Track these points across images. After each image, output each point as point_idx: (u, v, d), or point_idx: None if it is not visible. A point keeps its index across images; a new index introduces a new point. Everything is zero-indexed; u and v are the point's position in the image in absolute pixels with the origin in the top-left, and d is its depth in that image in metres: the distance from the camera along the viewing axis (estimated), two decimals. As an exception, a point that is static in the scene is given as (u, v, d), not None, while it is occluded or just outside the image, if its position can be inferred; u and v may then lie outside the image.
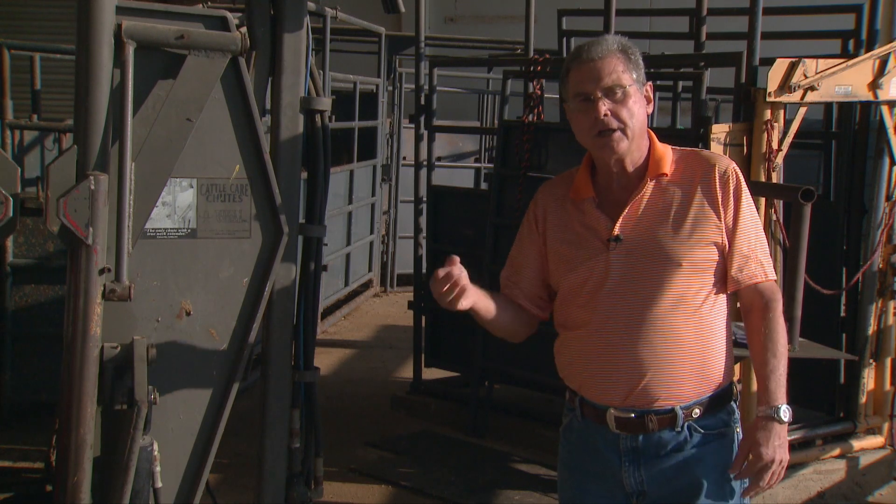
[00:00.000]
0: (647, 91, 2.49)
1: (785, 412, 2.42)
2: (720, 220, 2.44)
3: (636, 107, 2.43)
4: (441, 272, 2.35)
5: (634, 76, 2.44)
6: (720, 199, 2.44)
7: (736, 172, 2.47)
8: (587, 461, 2.57)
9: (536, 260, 2.64)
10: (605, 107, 2.40)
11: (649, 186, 2.48)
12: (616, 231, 2.46)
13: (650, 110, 2.50)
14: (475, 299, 2.45)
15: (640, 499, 2.50)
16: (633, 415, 2.45)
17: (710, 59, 5.57)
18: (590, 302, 2.48)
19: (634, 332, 2.42)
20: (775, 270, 2.60)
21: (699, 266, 2.42)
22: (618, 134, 2.42)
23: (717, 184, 2.45)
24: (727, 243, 2.45)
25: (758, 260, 2.48)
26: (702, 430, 2.46)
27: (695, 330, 2.43)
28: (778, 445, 2.41)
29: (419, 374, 6.46)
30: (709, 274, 2.44)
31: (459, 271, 2.37)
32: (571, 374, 2.58)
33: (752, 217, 2.48)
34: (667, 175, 2.48)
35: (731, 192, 2.45)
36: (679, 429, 2.44)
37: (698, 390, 2.45)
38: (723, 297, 2.49)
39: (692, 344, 2.42)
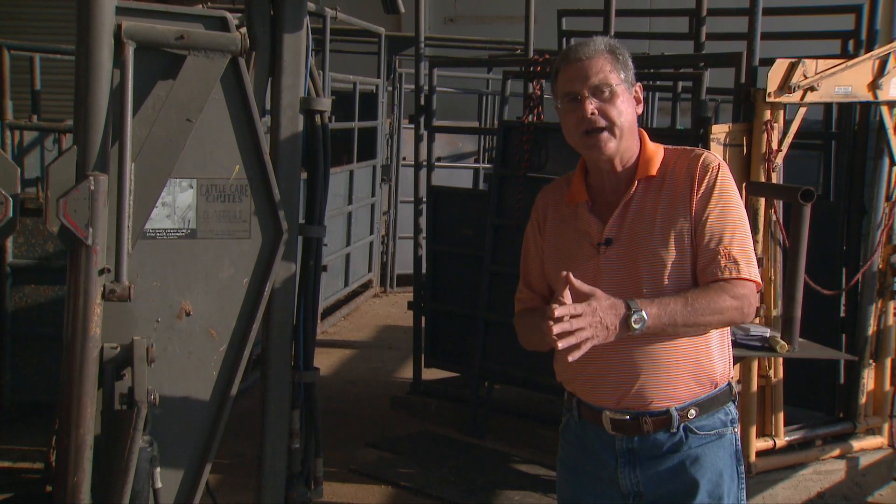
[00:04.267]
0: (636, 91, 2.48)
1: (637, 316, 2.25)
2: (692, 214, 2.40)
3: (624, 106, 2.42)
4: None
5: (622, 76, 2.43)
6: (694, 192, 2.41)
7: (718, 168, 2.42)
8: (584, 461, 2.57)
9: (542, 266, 2.63)
10: (591, 106, 2.40)
11: (638, 188, 2.47)
12: (605, 234, 2.46)
13: (640, 111, 2.49)
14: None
15: (637, 500, 2.49)
16: (628, 417, 2.45)
17: (710, 60, 5.57)
18: None
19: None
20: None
21: (687, 266, 2.41)
22: (605, 134, 2.41)
23: (696, 178, 2.42)
24: (694, 235, 2.39)
25: (730, 256, 2.39)
26: (698, 432, 2.45)
27: None
28: (604, 310, 2.24)
29: (419, 374, 6.46)
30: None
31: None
32: (568, 376, 2.58)
33: (726, 211, 2.40)
34: (655, 176, 2.47)
35: (705, 184, 2.40)
36: (674, 430, 2.44)
37: (693, 391, 2.44)
38: None
39: (685, 345, 2.41)
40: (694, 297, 2.33)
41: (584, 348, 2.22)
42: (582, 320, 2.21)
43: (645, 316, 2.27)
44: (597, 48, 2.44)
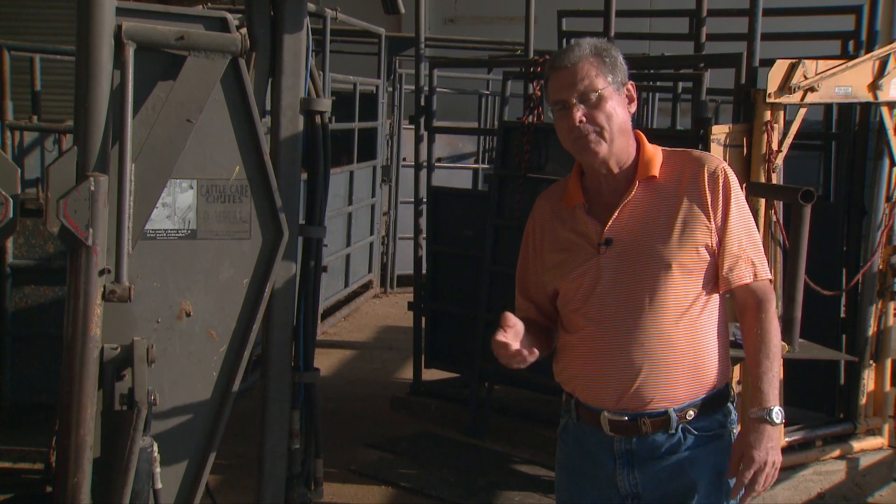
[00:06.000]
0: (628, 91, 2.48)
1: (777, 414, 2.42)
2: (710, 222, 2.43)
3: (613, 109, 2.42)
4: (500, 339, 2.33)
5: (609, 78, 2.43)
6: (709, 201, 2.43)
7: (725, 172, 2.46)
8: (583, 463, 2.57)
9: (539, 274, 2.63)
10: (579, 113, 2.41)
11: (638, 189, 2.47)
12: (605, 235, 2.47)
13: (633, 109, 2.49)
14: (527, 353, 2.39)
15: (635, 501, 2.49)
16: (626, 418, 2.45)
17: (710, 61, 5.57)
18: (582, 306, 2.49)
19: (626, 334, 2.42)
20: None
21: (689, 268, 2.42)
22: (594, 136, 2.42)
23: (706, 185, 2.44)
24: (717, 244, 2.44)
25: (749, 260, 2.46)
26: (696, 432, 2.45)
27: (686, 331, 2.42)
28: (770, 448, 2.41)
29: (419, 374, 6.46)
30: (699, 275, 2.43)
31: (514, 335, 2.35)
32: (567, 376, 2.58)
33: (741, 216, 2.47)
34: (656, 177, 2.47)
35: (720, 192, 2.43)
36: (673, 431, 2.44)
37: (692, 392, 2.44)
38: (715, 298, 2.48)
39: (684, 345, 2.42)
40: (768, 346, 2.47)
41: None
42: (761, 476, 2.40)
43: (779, 409, 2.44)
44: (581, 53, 2.43)
